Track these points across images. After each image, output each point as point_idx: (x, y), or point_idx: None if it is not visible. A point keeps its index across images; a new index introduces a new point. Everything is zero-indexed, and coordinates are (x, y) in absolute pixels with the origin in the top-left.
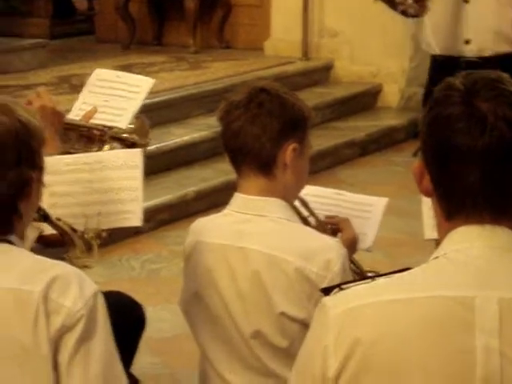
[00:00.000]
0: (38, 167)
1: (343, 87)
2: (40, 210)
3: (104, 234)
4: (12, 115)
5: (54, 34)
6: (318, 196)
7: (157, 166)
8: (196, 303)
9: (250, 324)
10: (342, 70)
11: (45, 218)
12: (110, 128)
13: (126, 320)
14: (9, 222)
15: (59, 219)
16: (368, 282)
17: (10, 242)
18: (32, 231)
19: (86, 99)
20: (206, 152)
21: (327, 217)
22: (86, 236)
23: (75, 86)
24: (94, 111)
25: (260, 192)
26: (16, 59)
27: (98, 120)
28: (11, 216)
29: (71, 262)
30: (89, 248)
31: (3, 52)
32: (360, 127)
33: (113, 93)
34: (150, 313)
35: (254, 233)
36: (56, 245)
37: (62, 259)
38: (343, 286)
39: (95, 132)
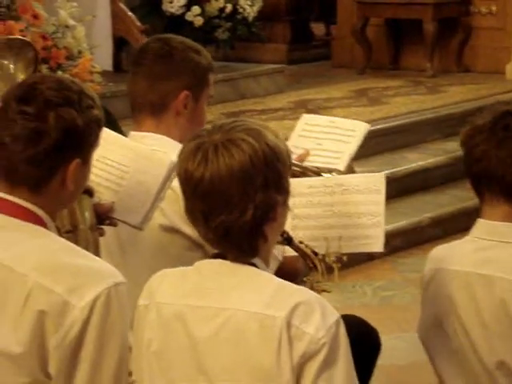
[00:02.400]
0: (285, 191)
1: None
2: (283, 232)
3: (344, 259)
4: (261, 139)
5: (291, 59)
6: None
7: (390, 192)
8: (435, 331)
9: (494, 354)
10: None
11: (288, 240)
12: (330, 170)
13: (361, 345)
14: (255, 245)
15: (301, 242)
16: None
17: (254, 265)
18: (274, 263)
19: (296, 143)
20: (442, 178)
21: None
22: (326, 259)
23: (311, 111)
24: (307, 154)
25: (504, 218)
26: (254, 84)
27: (312, 162)
28: (257, 239)
29: (311, 286)
30: (328, 272)
31: (242, 77)
32: None
33: (326, 137)
34: (383, 340)
35: (500, 260)
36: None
37: (302, 283)
38: None
39: (309, 174)
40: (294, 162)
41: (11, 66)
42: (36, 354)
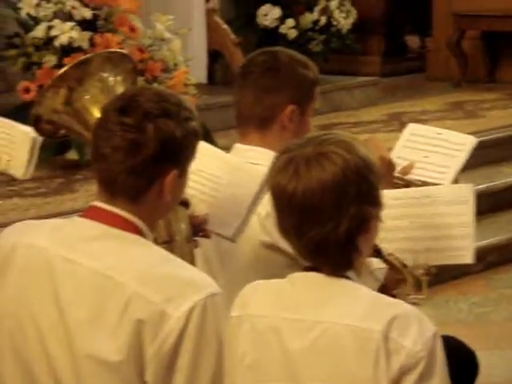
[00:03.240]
0: (377, 203)
1: None
2: (373, 245)
3: (433, 271)
4: (352, 151)
5: (384, 71)
6: None
7: (486, 206)
8: None
9: None
10: None
11: (378, 253)
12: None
13: (459, 365)
14: (348, 258)
15: (391, 254)
16: None
17: (348, 278)
18: (374, 284)
19: (401, 154)
20: None
21: None
22: (415, 272)
23: (405, 124)
24: (411, 167)
25: None
26: (347, 97)
27: (416, 176)
28: (351, 252)
29: (401, 299)
30: (418, 285)
31: (336, 90)
32: None
33: (433, 149)
34: (479, 357)
35: None
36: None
37: (392, 296)
38: None
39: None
40: (397, 174)
41: (111, 78)
42: (133, 362)
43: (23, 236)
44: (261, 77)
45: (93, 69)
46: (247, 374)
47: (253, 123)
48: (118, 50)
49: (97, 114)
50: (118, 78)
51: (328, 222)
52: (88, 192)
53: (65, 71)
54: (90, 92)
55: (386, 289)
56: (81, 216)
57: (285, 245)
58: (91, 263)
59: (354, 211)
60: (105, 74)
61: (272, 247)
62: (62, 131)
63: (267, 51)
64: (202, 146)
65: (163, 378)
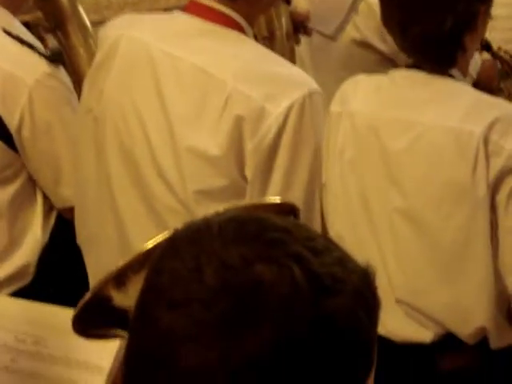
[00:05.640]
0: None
1: None
2: (482, 39)
3: None
4: None
5: None
6: None
7: None
8: None
9: None
10: None
11: (487, 47)
12: None
13: None
14: (453, 55)
15: (500, 48)
16: None
17: (452, 77)
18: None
19: None
20: None
21: None
22: None
23: None
24: None
25: None
26: None
27: None
28: (455, 50)
29: (508, 93)
30: None
31: None
32: None
33: None
34: None
35: None
36: None
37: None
38: None
39: None
40: None
41: None
42: (233, 157)
43: (127, 29)
44: None
45: None
46: (347, 168)
47: None
48: None
49: None
50: None
51: (433, 18)
52: None
53: None
54: None
55: (490, 83)
56: (181, 11)
57: (377, 42)
58: (192, 58)
59: (462, 7)
60: None
61: (363, 44)
62: None
63: None
64: None
65: (262, 173)
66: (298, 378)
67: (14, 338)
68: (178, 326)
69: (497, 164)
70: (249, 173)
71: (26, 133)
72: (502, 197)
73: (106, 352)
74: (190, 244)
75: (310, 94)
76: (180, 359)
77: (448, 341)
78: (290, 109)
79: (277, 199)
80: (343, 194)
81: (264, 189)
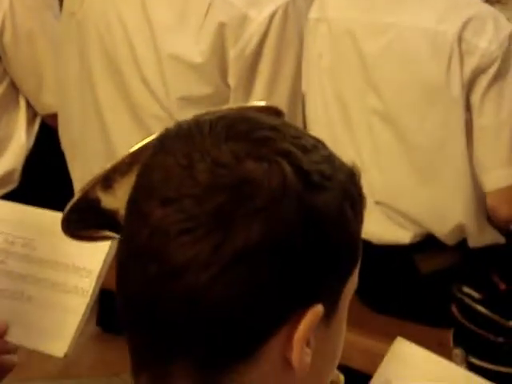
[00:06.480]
0: None
1: None
2: None
3: None
4: None
5: None
6: None
7: None
8: None
9: None
10: None
11: None
12: None
13: None
14: None
15: None
16: None
17: None
18: None
19: None
20: None
21: None
22: None
23: None
24: None
25: None
26: None
27: None
28: None
29: None
30: None
31: None
32: None
33: None
34: None
35: None
36: None
37: None
38: None
39: None
40: None
41: None
42: (217, 64)
43: None
44: None
45: None
46: (324, 74)
47: None
48: None
49: None
50: None
51: None
52: None
53: None
54: None
55: None
56: None
57: None
58: None
59: None
60: None
61: None
62: None
63: None
64: None
65: (246, 80)
66: (288, 270)
67: (3, 239)
68: (170, 220)
69: (471, 63)
70: (232, 81)
71: (7, 38)
72: (476, 96)
73: (95, 255)
74: (182, 142)
75: (293, 1)
76: (172, 253)
77: (427, 243)
78: (273, 15)
79: (261, 103)
80: (321, 101)
81: (247, 96)
